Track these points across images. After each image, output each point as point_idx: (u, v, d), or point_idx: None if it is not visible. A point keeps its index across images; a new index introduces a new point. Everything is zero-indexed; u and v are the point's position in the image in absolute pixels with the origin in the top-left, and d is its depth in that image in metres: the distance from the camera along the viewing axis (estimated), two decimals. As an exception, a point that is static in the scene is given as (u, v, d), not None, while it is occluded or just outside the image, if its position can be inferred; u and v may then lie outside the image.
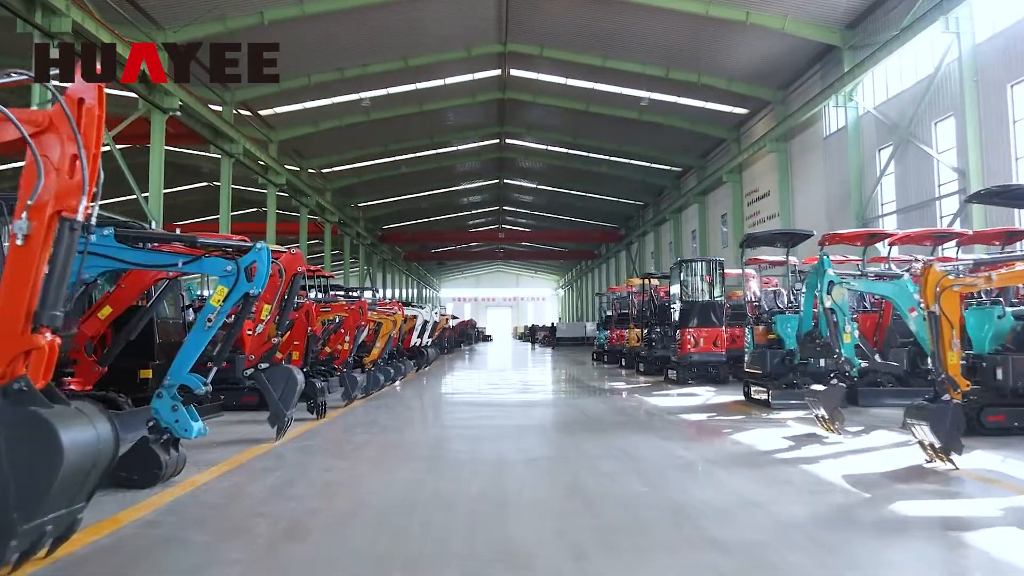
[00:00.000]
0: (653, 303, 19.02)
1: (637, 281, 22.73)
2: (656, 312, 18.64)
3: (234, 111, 25.44)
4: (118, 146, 17.78)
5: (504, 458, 6.92)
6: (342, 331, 12.28)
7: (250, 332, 7.76)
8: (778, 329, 10.90)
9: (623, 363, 22.46)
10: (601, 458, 6.81)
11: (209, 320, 5.39)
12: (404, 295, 62.22)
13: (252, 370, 7.53)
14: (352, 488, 5.75)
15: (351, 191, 41.83)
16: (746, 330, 11.65)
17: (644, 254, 48.53)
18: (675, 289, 16.45)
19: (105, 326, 7.42)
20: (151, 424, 5.37)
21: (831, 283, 7.78)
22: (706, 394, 13.28)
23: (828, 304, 7.77)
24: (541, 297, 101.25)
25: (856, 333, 7.88)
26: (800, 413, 9.65)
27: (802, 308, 9.87)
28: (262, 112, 28.68)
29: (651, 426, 9.37)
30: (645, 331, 19.10)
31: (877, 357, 9.01)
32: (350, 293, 20.02)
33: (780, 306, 12.10)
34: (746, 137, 30.79)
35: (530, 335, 65.78)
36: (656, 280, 20.52)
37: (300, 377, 7.75)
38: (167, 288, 7.72)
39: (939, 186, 18.59)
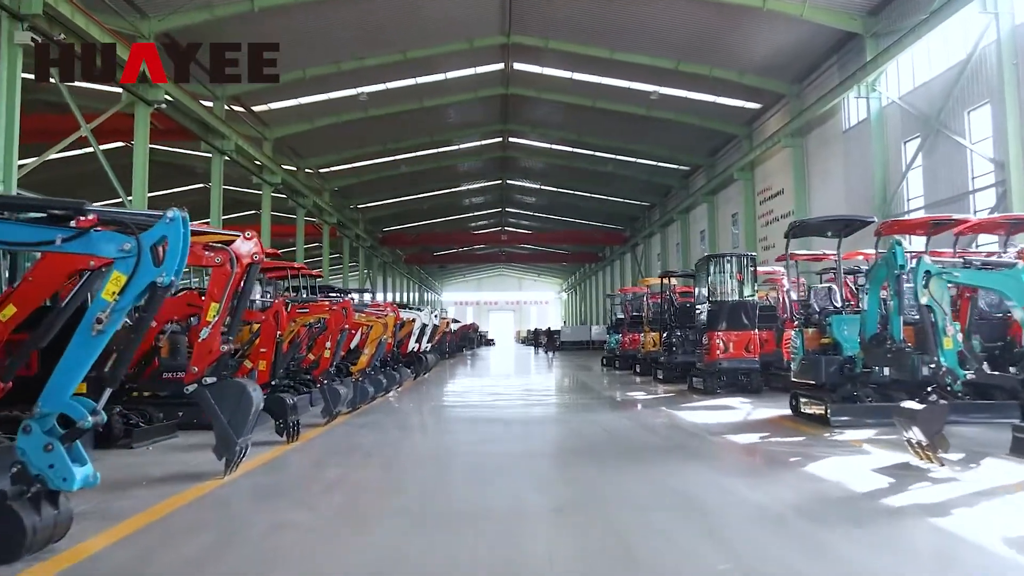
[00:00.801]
0: (673, 304, 17.43)
1: (652, 280, 21.15)
2: (677, 314, 17.04)
3: (226, 106, 23.93)
4: (102, 146, 16.11)
5: (519, 507, 5.23)
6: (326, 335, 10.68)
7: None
8: (834, 332, 9.25)
9: (637, 370, 20.83)
10: (649, 506, 5.11)
11: (99, 321, 3.77)
12: (406, 299, 60.84)
13: (195, 385, 5.88)
14: (303, 564, 3.96)
15: (350, 192, 40.53)
16: (793, 334, 10.00)
17: (650, 256, 47.25)
18: (702, 289, 14.86)
19: (8, 331, 5.80)
20: (15, 471, 3.72)
21: (928, 274, 6.14)
22: (743, 407, 11.63)
23: (924, 300, 6.13)
24: (544, 300, 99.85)
25: (959, 336, 6.24)
26: (870, 433, 8.02)
27: (865, 307, 8.26)
28: (255, 108, 27.24)
29: (695, 451, 7.69)
30: (664, 335, 17.51)
31: (986, 366, 7.37)
32: (343, 294, 18.43)
33: (835, 305, 10.45)
34: (759, 133, 29.57)
35: (534, 339, 64.07)
36: (675, 279, 18.90)
37: (257, 395, 6.07)
38: (89, 280, 6.08)
39: (973, 179, 17.26)
